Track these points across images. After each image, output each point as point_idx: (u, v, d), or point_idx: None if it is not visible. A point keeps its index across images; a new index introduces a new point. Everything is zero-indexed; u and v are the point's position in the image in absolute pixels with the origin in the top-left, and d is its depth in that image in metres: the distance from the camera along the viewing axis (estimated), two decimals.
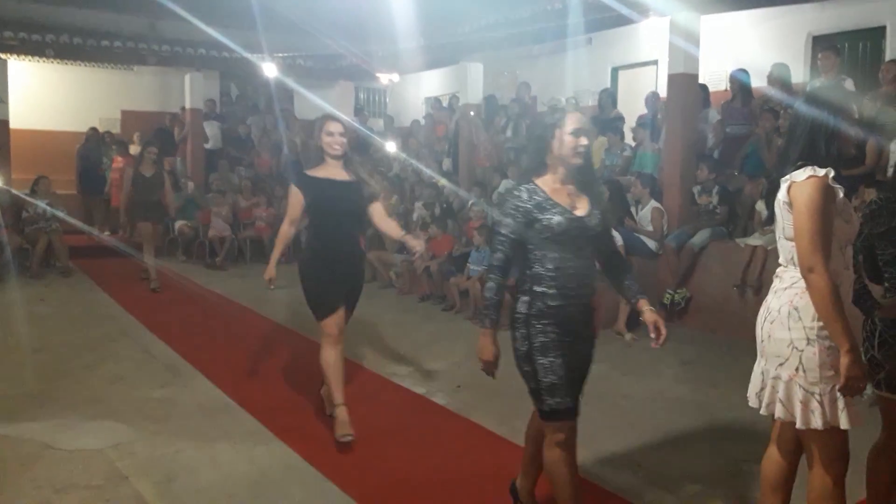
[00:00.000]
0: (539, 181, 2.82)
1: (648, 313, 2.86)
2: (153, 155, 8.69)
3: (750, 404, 2.61)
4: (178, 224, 11.05)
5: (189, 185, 12.00)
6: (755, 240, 6.58)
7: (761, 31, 8.91)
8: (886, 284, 2.69)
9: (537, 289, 2.75)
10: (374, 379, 5.39)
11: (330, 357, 4.14)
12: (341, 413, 4.06)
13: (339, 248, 4.13)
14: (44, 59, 11.76)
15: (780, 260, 2.58)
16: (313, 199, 4.09)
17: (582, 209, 2.79)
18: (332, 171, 4.14)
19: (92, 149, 12.50)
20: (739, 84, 7.89)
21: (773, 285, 2.60)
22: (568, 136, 2.75)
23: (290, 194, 4.18)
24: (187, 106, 13.07)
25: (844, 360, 2.29)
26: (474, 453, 4.01)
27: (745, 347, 2.50)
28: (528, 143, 2.93)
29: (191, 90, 12.94)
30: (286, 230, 4.20)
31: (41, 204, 9.51)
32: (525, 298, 2.77)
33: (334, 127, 4.13)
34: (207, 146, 13.18)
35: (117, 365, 5.54)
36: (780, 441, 2.68)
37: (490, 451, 4.04)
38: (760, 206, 6.63)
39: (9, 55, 11.05)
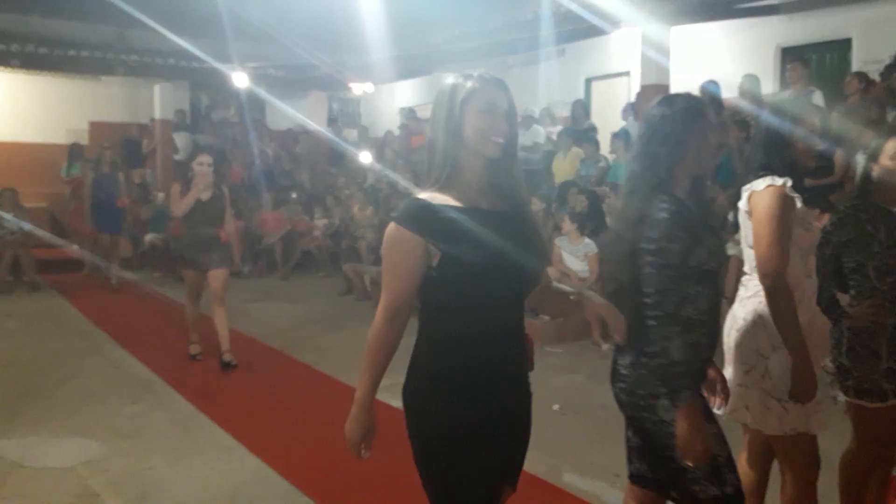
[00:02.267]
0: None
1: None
2: (209, 168, 5.83)
3: (715, 410, 2.64)
4: (149, 237, 10.92)
5: (159, 197, 11.85)
6: (729, 249, 6.65)
7: (731, 42, 9.07)
8: (852, 293, 2.74)
9: (689, 338, 2.07)
10: (350, 392, 5.34)
11: None
12: None
13: (506, 358, 1.93)
14: (9, 69, 11.58)
15: (745, 268, 2.62)
16: (459, 255, 1.84)
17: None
18: (478, 193, 1.94)
19: (106, 175, 9.81)
20: (709, 96, 7.99)
21: (738, 293, 2.64)
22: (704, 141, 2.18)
23: (392, 248, 1.91)
24: (157, 116, 12.93)
25: (795, 368, 2.34)
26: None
27: (720, 357, 2.53)
28: (656, 144, 2.18)
29: (160, 101, 12.81)
30: (387, 331, 1.98)
31: (7, 217, 9.34)
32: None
33: (498, 98, 1.93)
34: (178, 157, 13.06)
35: (88, 381, 5.44)
36: (750, 448, 2.72)
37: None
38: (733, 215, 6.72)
39: None
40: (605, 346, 6.57)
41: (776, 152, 2.48)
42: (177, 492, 3.62)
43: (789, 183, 2.41)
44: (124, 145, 13.06)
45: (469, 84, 1.95)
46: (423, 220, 1.87)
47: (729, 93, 7.95)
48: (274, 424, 4.61)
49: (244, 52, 11.11)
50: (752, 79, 7.75)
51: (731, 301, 2.58)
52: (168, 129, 12.87)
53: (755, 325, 2.48)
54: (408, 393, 2.02)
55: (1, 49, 10.47)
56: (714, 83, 7.97)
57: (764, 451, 2.67)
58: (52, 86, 13.18)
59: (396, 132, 12.79)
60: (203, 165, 5.78)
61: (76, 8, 10.21)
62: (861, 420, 2.74)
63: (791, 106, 2.61)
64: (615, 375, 2.25)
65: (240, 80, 11.73)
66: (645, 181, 2.16)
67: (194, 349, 6.08)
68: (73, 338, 6.86)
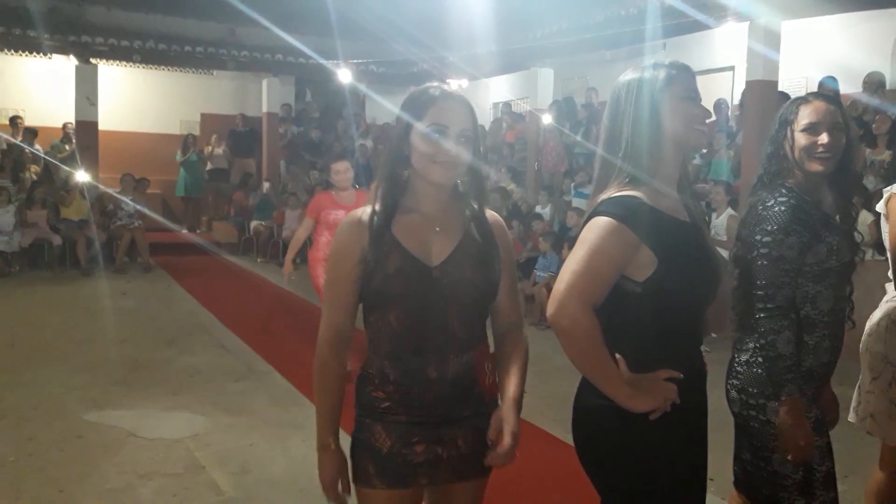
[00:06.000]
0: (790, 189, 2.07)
1: None
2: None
3: (849, 419, 2.55)
4: (254, 224, 11.43)
5: (265, 186, 12.41)
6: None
7: (845, 35, 8.60)
8: None
9: (809, 340, 2.03)
10: None
11: None
12: None
13: (698, 377, 1.79)
14: (131, 64, 12.32)
15: (890, 273, 2.54)
16: (678, 269, 1.65)
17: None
18: (670, 198, 1.74)
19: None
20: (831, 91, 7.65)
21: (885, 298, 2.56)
22: (800, 134, 2.07)
23: (601, 248, 1.62)
24: (264, 110, 13.45)
25: None
26: (540, 459, 3.99)
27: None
28: (772, 141, 2.16)
29: (268, 95, 13.31)
30: (590, 322, 1.61)
31: (126, 200, 9.96)
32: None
33: (696, 85, 1.80)
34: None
35: (194, 358, 5.75)
36: (882, 457, 2.60)
37: (556, 457, 4.02)
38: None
39: (99, 60, 11.61)
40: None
41: None
42: (276, 468, 3.78)
43: None
44: (230, 136, 13.67)
45: (663, 72, 1.73)
46: (644, 222, 1.63)
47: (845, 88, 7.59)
48: None
49: (348, 48, 11.40)
50: (879, 74, 7.41)
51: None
52: (275, 122, 13.37)
53: (888, 332, 2.40)
54: (595, 420, 1.75)
55: (124, 45, 11.13)
56: (832, 78, 7.62)
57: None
58: (168, 79, 13.96)
59: (487, 126, 12.83)
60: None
61: (193, 6, 10.76)
62: None
63: None
64: (730, 372, 2.16)
65: (343, 75, 12.05)
66: (768, 175, 2.13)
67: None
68: (181, 317, 7.25)
